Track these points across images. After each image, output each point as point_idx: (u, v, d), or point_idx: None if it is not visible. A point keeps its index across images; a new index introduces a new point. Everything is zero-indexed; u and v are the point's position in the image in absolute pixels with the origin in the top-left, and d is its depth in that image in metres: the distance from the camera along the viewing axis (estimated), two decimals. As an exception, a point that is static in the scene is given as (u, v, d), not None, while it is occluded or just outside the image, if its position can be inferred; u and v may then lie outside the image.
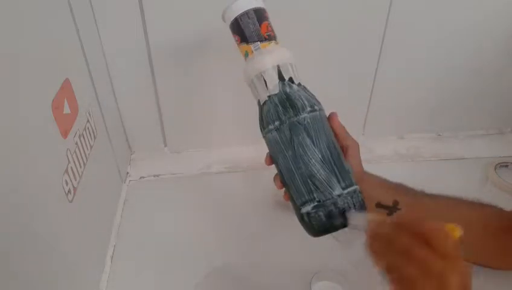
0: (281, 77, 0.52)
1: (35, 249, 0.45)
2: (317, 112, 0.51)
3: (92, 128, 0.65)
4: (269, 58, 0.52)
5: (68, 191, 0.53)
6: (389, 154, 0.91)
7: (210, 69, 0.78)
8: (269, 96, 0.51)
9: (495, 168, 0.83)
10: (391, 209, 0.60)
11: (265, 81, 0.51)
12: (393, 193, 0.61)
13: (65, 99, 0.55)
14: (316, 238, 0.58)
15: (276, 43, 0.54)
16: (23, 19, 0.46)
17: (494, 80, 0.86)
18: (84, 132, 0.61)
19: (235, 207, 0.78)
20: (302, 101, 0.51)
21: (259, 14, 0.53)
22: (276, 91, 0.51)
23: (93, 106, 0.68)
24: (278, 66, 0.52)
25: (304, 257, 0.68)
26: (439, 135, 0.95)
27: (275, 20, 0.72)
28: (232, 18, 0.53)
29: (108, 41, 0.72)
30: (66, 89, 0.56)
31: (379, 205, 0.59)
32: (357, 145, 0.57)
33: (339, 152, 0.51)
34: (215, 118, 0.85)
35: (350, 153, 0.55)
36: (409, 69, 0.83)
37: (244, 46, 0.53)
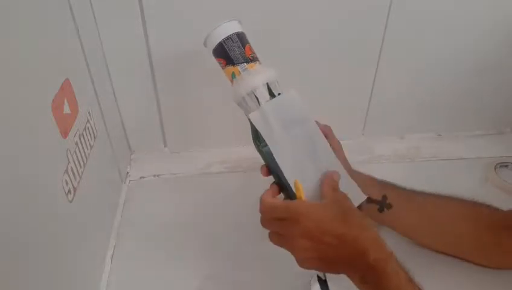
0: (271, 93, 0.55)
1: (35, 249, 0.45)
2: (306, 119, 0.57)
3: (92, 128, 0.65)
4: (259, 77, 0.55)
5: (68, 191, 0.53)
6: (389, 154, 0.91)
7: (210, 69, 0.78)
8: None
9: (495, 168, 0.83)
10: (381, 203, 0.63)
11: (256, 98, 0.55)
12: (382, 188, 0.64)
13: (65, 100, 0.55)
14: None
15: (260, 63, 0.57)
16: (23, 19, 0.46)
17: (493, 80, 0.86)
18: (84, 132, 0.61)
19: (235, 207, 0.78)
20: (293, 109, 0.55)
21: (242, 38, 0.57)
22: None
23: (93, 106, 0.68)
24: (268, 84, 0.55)
25: (304, 257, 0.68)
26: (439, 135, 0.95)
27: (275, 21, 0.73)
28: (216, 42, 0.56)
29: (108, 42, 0.72)
30: (66, 89, 0.56)
31: (369, 200, 0.61)
32: (341, 146, 0.61)
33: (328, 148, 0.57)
34: (215, 118, 0.85)
35: (336, 153, 0.58)
36: (408, 69, 0.83)
37: (231, 68, 0.56)
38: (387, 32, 0.77)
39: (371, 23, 0.76)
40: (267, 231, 0.73)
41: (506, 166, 0.84)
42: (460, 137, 0.94)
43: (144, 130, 0.87)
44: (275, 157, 0.54)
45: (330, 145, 0.58)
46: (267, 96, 0.55)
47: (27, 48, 0.46)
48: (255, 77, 0.55)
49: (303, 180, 0.55)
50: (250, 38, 0.59)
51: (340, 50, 0.79)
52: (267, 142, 0.54)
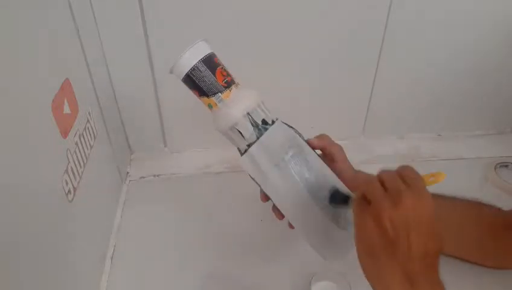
0: (254, 124, 0.51)
1: (36, 249, 0.45)
2: (297, 147, 0.53)
3: (92, 128, 0.65)
4: (237, 109, 0.50)
5: (68, 191, 0.53)
6: (389, 154, 0.91)
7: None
8: (248, 145, 0.52)
9: (495, 168, 0.83)
10: None
11: (240, 132, 0.51)
12: None
13: (65, 100, 0.55)
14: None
15: (236, 87, 0.52)
16: (23, 19, 0.46)
17: (494, 80, 0.86)
18: (84, 132, 0.61)
19: (235, 207, 0.78)
20: (282, 142, 0.52)
21: (210, 63, 0.50)
22: (254, 138, 0.51)
23: (93, 106, 0.68)
24: (248, 114, 0.51)
25: (304, 258, 0.68)
26: (439, 135, 0.95)
27: (275, 20, 0.73)
28: (183, 74, 0.51)
29: (108, 42, 0.72)
30: (66, 89, 0.56)
31: None
32: (342, 149, 0.59)
33: (326, 174, 0.54)
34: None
35: (338, 158, 0.58)
36: (408, 70, 0.83)
37: (206, 99, 0.51)
38: (387, 32, 0.77)
39: (371, 23, 0.76)
40: (267, 232, 0.74)
41: (506, 166, 0.84)
42: (460, 137, 0.94)
43: (144, 130, 0.87)
44: (269, 195, 0.53)
45: (331, 151, 0.57)
46: (250, 127, 0.51)
47: (27, 48, 0.46)
48: (232, 109, 0.50)
49: (301, 215, 0.53)
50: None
51: (340, 50, 0.79)
52: (259, 184, 0.53)
